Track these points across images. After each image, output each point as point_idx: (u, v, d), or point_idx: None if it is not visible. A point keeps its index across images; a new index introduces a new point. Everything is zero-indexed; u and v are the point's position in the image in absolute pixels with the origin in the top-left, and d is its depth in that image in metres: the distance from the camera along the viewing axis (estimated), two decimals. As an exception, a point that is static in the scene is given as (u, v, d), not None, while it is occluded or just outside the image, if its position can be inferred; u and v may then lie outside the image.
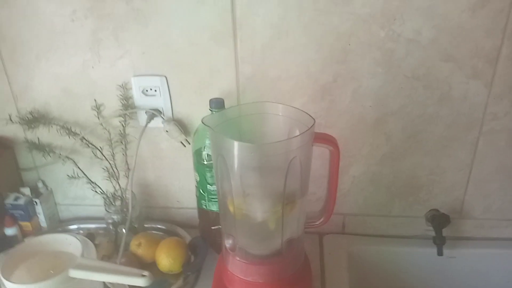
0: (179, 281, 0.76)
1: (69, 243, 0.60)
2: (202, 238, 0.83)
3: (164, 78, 0.80)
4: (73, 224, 0.93)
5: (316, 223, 0.62)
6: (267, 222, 0.56)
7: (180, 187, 0.91)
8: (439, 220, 0.83)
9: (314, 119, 0.55)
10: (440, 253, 0.82)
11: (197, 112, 0.82)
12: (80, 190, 0.92)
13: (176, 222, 0.93)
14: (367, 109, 0.78)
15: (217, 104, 0.74)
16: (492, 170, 0.82)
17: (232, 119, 0.60)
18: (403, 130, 0.80)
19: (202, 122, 0.55)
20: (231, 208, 0.57)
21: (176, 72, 0.79)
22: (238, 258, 0.59)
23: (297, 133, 0.58)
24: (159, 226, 0.91)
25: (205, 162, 0.76)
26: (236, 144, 0.50)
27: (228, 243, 0.59)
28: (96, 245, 0.81)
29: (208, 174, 0.76)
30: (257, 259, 0.59)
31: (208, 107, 0.73)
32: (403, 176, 0.84)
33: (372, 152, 0.82)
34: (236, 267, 0.60)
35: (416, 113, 0.78)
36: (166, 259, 0.77)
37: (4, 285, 0.53)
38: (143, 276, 0.52)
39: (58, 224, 0.95)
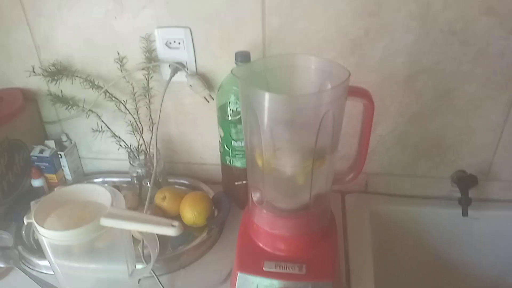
0: (203, 234, 0.77)
1: (98, 193, 0.60)
2: (226, 194, 0.84)
3: (188, 30, 0.77)
4: (97, 178, 0.94)
5: (346, 179, 0.61)
6: (295, 177, 0.56)
7: (203, 143, 0.91)
8: (466, 181, 0.81)
9: (349, 71, 0.53)
10: (465, 213, 0.82)
11: (221, 66, 0.80)
12: (104, 144, 0.93)
13: (198, 178, 0.93)
14: (398, 65, 0.75)
15: (243, 58, 0.72)
16: (525, 132, 0.79)
17: (259, 72, 0.58)
18: (435, 88, 0.77)
19: (232, 73, 0.53)
20: (259, 162, 0.56)
21: (201, 23, 0.77)
22: (265, 211, 0.59)
23: (330, 86, 0.56)
24: (182, 181, 0.92)
25: (230, 118, 0.75)
26: (267, 95, 0.49)
27: (255, 196, 0.59)
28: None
29: (233, 130, 0.75)
30: (284, 213, 0.59)
31: (233, 60, 0.72)
32: (431, 136, 0.82)
33: (400, 110, 0.80)
34: (263, 220, 0.60)
35: (450, 70, 0.75)
36: (191, 212, 0.78)
37: (38, 231, 0.54)
38: (173, 226, 0.52)
39: (83, 178, 0.97)
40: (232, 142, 0.77)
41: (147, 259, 0.71)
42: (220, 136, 0.79)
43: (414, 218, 0.87)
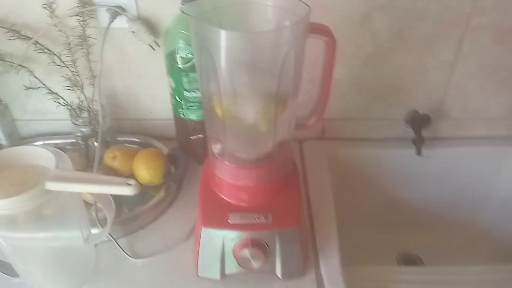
0: (161, 192, 0.74)
1: (40, 155, 0.54)
2: (181, 149, 0.79)
3: (126, -32, 0.69)
4: (36, 141, 0.86)
5: (308, 123, 0.58)
6: (258, 124, 0.53)
7: (151, 96, 0.85)
8: (419, 121, 0.83)
9: (309, 6, 0.49)
10: (419, 152, 0.84)
11: (166, 8, 0.73)
12: (40, 103, 0.84)
13: (150, 135, 0.87)
14: (354, 3, 0.72)
15: (191, -2, 0.65)
16: (474, 69, 0.81)
17: (209, 12, 0.53)
18: (389, 26, 0.75)
19: (181, 11, 0.47)
20: (218, 111, 0.52)
21: (140, -40, 0.68)
22: (227, 163, 0.56)
23: (287, 24, 0.53)
24: (132, 139, 0.86)
25: (180, 66, 0.69)
26: (224, 33, 0.44)
27: (216, 148, 0.56)
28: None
29: (185, 79, 0.70)
30: (247, 163, 0.56)
31: (179, 1, 0.65)
32: (385, 78, 0.82)
33: (356, 52, 0.78)
34: (225, 172, 0.57)
35: (404, 7, 0.73)
36: (146, 170, 0.73)
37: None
38: (129, 184, 0.48)
39: (19, 142, 0.88)
40: (185, 92, 0.72)
41: (102, 222, 0.66)
42: (171, 87, 0.73)
43: (370, 161, 0.88)
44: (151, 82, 0.82)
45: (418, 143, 0.83)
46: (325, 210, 0.72)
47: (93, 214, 0.66)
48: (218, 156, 0.57)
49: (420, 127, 0.83)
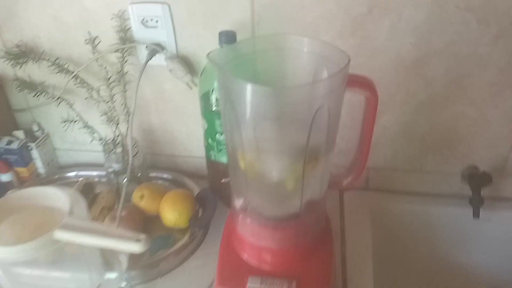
0: (186, 237, 0.70)
1: (58, 198, 0.52)
2: (211, 191, 0.75)
3: (167, 5, 0.68)
4: (72, 171, 0.86)
5: (343, 183, 0.52)
6: (284, 182, 0.47)
7: (187, 134, 0.82)
8: (479, 179, 0.73)
9: (348, 56, 0.43)
10: (476, 215, 0.73)
11: (205, 47, 0.71)
12: (79, 135, 0.84)
13: (183, 172, 0.85)
14: (406, 47, 0.66)
15: (228, 38, 0.63)
16: (547, 123, 0.70)
17: (245, 56, 0.49)
18: (447, 73, 0.68)
19: (208, 58, 0.44)
20: (241, 164, 0.48)
21: (181, -1, 0.67)
22: (249, 220, 0.51)
23: (325, 73, 0.48)
24: (165, 176, 0.84)
25: (214, 108, 0.66)
26: (249, 87, 0.40)
27: (238, 202, 0.51)
28: (96, 195, 0.74)
29: (218, 122, 0.67)
30: (271, 221, 0.51)
31: (218, 41, 0.63)
32: (440, 127, 0.73)
33: (407, 99, 0.71)
34: (247, 230, 0.52)
35: (465, 53, 0.65)
36: (171, 212, 0.70)
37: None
38: (138, 241, 0.44)
39: (57, 170, 0.88)
40: (217, 135, 0.68)
41: (120, 265, 0.63)
42: (204, 129, 0.70)
43: (419, 218, 0.79)
44: (188, 120, 0.80)
45: (476, 204, 0.73)
46: (363, 275, 0.64)
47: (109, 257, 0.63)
48: (240, 211, 0.52)
49: (480, 186, 0.73)
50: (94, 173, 0.86)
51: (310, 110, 0.41)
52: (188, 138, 0.83)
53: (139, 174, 0.78)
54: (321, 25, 0.65)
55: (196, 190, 0.79)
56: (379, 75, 0.69)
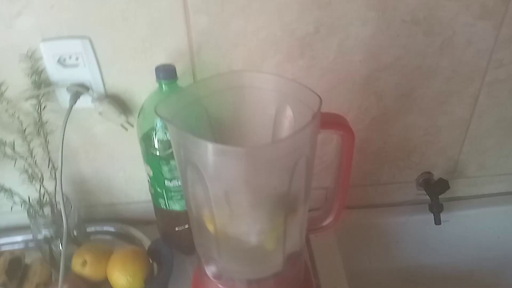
0: (143, 302, 0.61)
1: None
2: (164, 241, 0.67)
3: (87, 40, 0.58)
4: (-11, 241, 0.72)
5: (323, 225, 0.47)
6: (263, 243, 0.41)
7: (126, 179, 0.72)
8: (436, 186, 0.73)
9: (319, 96, 0.38)
10: (438, 221, 0.74)
11: (138, 84, 0.62)
12: (-7, 196, 0.70)
13: (126, 220, 0.75)
14: (355, 65, 0.63)
15: (167, 74, 0.55)
16: (491, 125, 0.72)
17: (195, 101, 0.42)
18: (397, 87, 0.66)
19: (157, 113, 0.36)
20: (210, 227, 0.41)
21: (103, 31, 0.57)
22: (223, 286, 0.44)
23: (288, 111, 0.42)
24: (107, 229, 0.73)
25: (158, 153, 0.58)
26: (218, 148, 0.33)
27: (209, 270, 0.44)
28: (26, 269, 0.62)
29: (165, 168, 0.58)
30: (252, 284, 0.44)
31: (153, 73, 0.55)
32: (393, 140, 0.72)
33: (359, 116, 0.69)
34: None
35: (413, 65, 0.64)
36: (123, 277, 0.60)
37: None
38: None
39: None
40: (166, 182, 0.60)
41: None
42: (149, 176, 0.62)
43: (380, 229, 0.78)
44: (125, 164, 0.70)
45: (437, 211, 0.73)
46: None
47: None
48: (213, 279, 0.45)
49: (438, 193, 0.73)
50: (19, 238, 0.72)
51: (290, 163, 0.36)
52: (127, 183, 0.73)
53: (75, 233, 0.67)
54: (267, 49, 0.60)
55: (145, 241, 0.70)
56: (330, 94, 0.66)
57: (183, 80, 0.59)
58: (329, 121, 0.40)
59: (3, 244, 0.72)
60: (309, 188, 0.42)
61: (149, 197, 0.69)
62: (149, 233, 0.71)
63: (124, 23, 0.57)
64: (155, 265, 0.65)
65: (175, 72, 0.55)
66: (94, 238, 0.72)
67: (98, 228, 0.73)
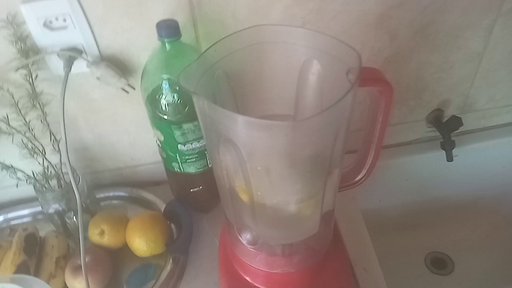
0: (168, 263, 0.60)
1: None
2: (180, 203, 0.66)
3: (75, -2, 0.51)
4: (-4, 217, 0.70)
5: (355, 180, 0.46)
6: (302, 210, 0.40)
7: (131, 142, 0.69)
8: (449, 124, 0.72)
9: (358, 52, 0.35)
10: (450, 158, 0.74)
11: (135, 42, 0.57)
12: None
13: (134, 183, 0.73)
14: (368, 3, 0.58)
15: (170, 31, 0.50)
16: (504, 56, 0.70)
17: (214, 65, 0.39)
18: (410, 24, 0.62)
19: (183, 88, 0.33)
20: (244, 198, 0.39)
21: (91, -14, 0.51)
22: (258, 252, 0.44)
23: (316, 66, 0.39)
24: (118, 194, 0.71)
25: (167, 118, 0.54)
26: (261, 124, 0.30)
27: (245, 238, 0.43)
28: (42, 243, 0.61)
29: (177, 132, 0.55)
30: (287, 248, 0.44)
31: (152, 30, 0.50)
32: (405, 80, 0.70)
33: (372, 58, 0.65)
34: (259, 262, 0.45)
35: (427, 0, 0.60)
36: (144, 243, 0.60)
37: None
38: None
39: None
40: (179, 146, 0.57)
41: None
42: (159, 140, 0.58)
43: (391, 169, 0.78)
44: (129, 127, 0.67)
45: (449, 148, 0.73)
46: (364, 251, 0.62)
47: None
48: (248, 245, 0.44)
49: (451, 131, 0.72)
50: (25, 211, 0.70)
51: (335, 128, 0.33)
52: (132, 146, 0.70)
53: (87, 202, 0.65)
54: (275, -8, 0.55)
55: (158, 203, 0.68)
56: (343, 36, 0.61)
57: (185, 36, 0.54)
58: (366, 77, 0.37)
59: (12, 219, 0.69)
60: (345, 149, 0.40)
61: (157, 158, 0.67)
62: (160, 194, 0.69)
63: (114, -26, 0.51)
64: (173, 228, 0.65)
65: (178, 28, 0.51)
66: (104, 204, 0.71)
67: (107, 193, 0.71)
